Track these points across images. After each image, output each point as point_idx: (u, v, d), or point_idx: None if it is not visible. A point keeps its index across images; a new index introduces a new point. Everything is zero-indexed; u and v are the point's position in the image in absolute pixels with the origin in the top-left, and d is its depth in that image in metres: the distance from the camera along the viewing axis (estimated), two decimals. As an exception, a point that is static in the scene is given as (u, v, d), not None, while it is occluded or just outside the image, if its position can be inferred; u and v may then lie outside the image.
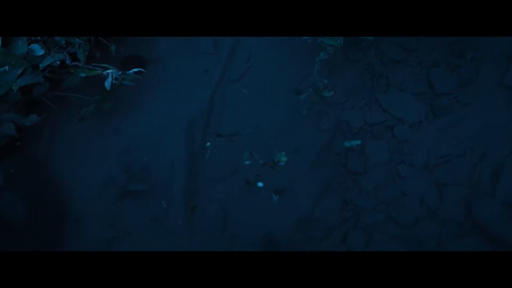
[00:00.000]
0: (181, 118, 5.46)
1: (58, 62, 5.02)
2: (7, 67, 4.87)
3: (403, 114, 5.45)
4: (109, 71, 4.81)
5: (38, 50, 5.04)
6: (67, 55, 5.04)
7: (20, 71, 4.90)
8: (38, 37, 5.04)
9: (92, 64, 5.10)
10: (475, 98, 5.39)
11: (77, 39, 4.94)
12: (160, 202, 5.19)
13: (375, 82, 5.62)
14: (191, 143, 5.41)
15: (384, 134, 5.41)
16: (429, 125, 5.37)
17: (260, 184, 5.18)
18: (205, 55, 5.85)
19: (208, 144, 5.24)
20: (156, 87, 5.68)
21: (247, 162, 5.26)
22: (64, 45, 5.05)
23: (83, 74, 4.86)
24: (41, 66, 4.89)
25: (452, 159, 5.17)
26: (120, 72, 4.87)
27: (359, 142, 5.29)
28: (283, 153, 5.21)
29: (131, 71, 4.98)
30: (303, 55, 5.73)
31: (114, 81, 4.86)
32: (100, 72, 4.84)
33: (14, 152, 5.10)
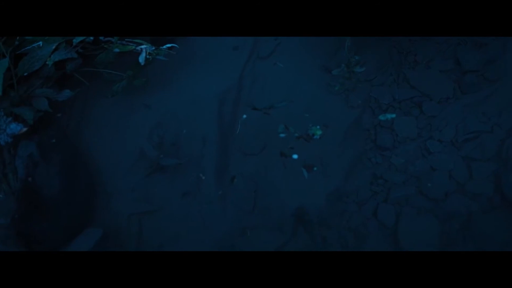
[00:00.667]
0: (211, 94, 5.49)
1: (91, 38, 5.04)
2: (41, 42, 4.89)
3: (431, 90, 5.50)
4: (142, 46, 4.83)
5: (71, 25, 5.05)
6: (100, 31, 5.06)
7: (53, 47, 4.91)
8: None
9: (125, 39, 5.12)
10: (502, 75, 5.44)
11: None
12: (194, 175, 5.24)
13: (403, 59, 5.67)
14: (222, 118, 5.45)
15: (413, 110, 5.47)
16: (457, 101, 5.42)
17: (295, 156, 5.23)
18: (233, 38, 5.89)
19: (244, 116, 5.28)
20: (186, 63, 5.71)
21: (282, 135, 5.30)
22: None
23: (117, 50, 4.88)
24: (75, 41, 4.91)
25: (480, 135, 5.23)
26: (153, 48, 4.90)
27: (393, 115, 5.35)
28: (318, 126, 5.26)
29: (164, 46, 5.01)
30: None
31: (147, 56, 4.89)
32: (134, 47, 4.86)
33: (48, 127, 5.14)
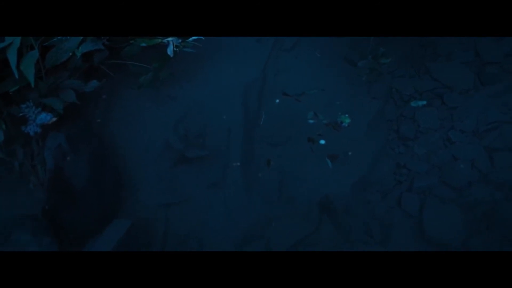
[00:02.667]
0: (236, 85, 5.55)
1: (118, 32, 5.08)
2: (68, 34, 4.92)
3: (452, 82, 5.58)
4: (169, 38, 4.88)
5: (98, 17, 5.09)
6: (126, 23, 5.10)
7: (80, 39, 4.95)
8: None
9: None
10: (522, 66, 5.53)
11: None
12: (221, 166, 5.29)
13: (424, 51, 5.74)
14: (247, 108, 5.51)
15: (434, 102, 5.54)
16: (477, 92, 5.51)
17: (322, 142, 5.29)
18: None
19: (277, 101, 5.33)
20: (211, 55, 5.76)
21: (311, 121, 5.36)
22: (124, 13, 5.11)
23: (143, 44, 4.93)
24: (102, 33, 4.95)
25: (501, 125, 5.31)
26: (180, 40, 4.95)
27: (424, 102, 5.42)
28: (347, 115, 5.33)
29: (191, 39, 5.06)
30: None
31: (175, 49, 4.93)
32: (160, 40, 4.91)
33: (76, 118, 5.18)
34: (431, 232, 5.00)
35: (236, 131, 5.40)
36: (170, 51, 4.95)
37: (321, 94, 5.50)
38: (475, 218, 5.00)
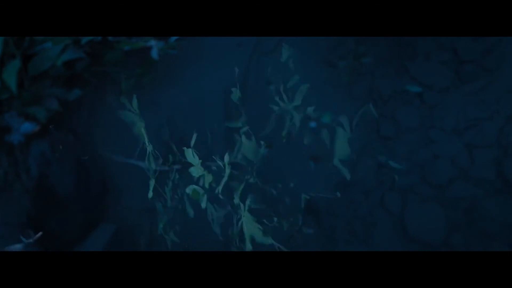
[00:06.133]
0: (217, 89, 5.60)
1: (99, 38, 5.13)
2: (50, 43, 4.97)
3: (431, 81, 5.65)
4: (152, 42, 4.94)
5: (79, 26, 5.14)
6: (107, 30, 5.15)
7: (62, 47, 5.00)
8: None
9: (133, 38, 5.21)
10: (499, 64, 5.60)
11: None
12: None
13: (402, 51, 5.81)
14: (229, 112, 5.56)
15: (414, 101, 5.61)
16: (456, 91, 5.58)
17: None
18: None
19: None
20: (192, 60, 5.81)
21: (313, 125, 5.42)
22: (105, 21, 5.16)
23: (127, 47, 4.98)
24: (83, 41, 5.00)
25: (480, 122, 5.38)
26: (163, 43, 5.00)
27: (420, 89, 5.49)
28: (328, 112, 5.38)
29: (172, 39, 5.11)
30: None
31: (158, 52, 4.99)
32: (143, 44, 4.96)
33: (59, 126, 5.22)
34: (413, 230, 5.07)
35: (218, 134, 5.45)
36: (155, 53, 5.00)
37: (304, 97, 5.56)
38: (456, 215, 5.07)
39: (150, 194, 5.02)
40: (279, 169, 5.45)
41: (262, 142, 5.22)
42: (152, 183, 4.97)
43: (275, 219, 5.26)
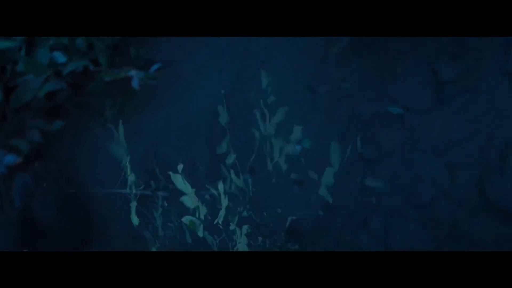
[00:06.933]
0: (200, 117, 5.64)
1: (80, 68, 5.19)
2: (31, 75, 5.02)
3: (411, 102, 5.70)
4: (133, 72, 4.99)
5: (60, 57, 5.21)
6: (89, 61, 5.22)
7: (44, 79, 5.05)
8: (60, 45, 5.21)
9: (114, 69, 5.28)
10: (479, 84, 5.66)
11: (99, 43, 5.12)
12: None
13: (383, 74, 5.87)
14: (212, 139, 5.59)
15: (395, 123, 5.66)
16: (437, 111, 5.62)
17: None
18: (218, 56, 6.05)
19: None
20: (174, 89, 5.87)
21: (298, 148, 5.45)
22: (86, 51, 5.23)
23: (108, 78, 5.04)
24: (64, 72, 5.06)
25: (462, 142, 5.42)
26: (143, 73, 5.06)
27: (402, 111, 5.53)
28: (307, 138, 5.42)
29: (153, 69, 5.17)
30: (313, 51, 5.97)
31: (139, 82, 5.05)
32: (124, 74, 5.01)
33: (42, 157, 5.25)
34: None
35: (202, 162, 5.48)
36: (135, 83, 5.05)
37: (283, 122, 5.60)
38: (440, 235, 5.09)
39: (134, 220, 5.02)
40: (265, 195, 5.47)
41: (247, 171, 5.26)
42: (133, 205, 4.97)
43: (260, 238, 5.28)
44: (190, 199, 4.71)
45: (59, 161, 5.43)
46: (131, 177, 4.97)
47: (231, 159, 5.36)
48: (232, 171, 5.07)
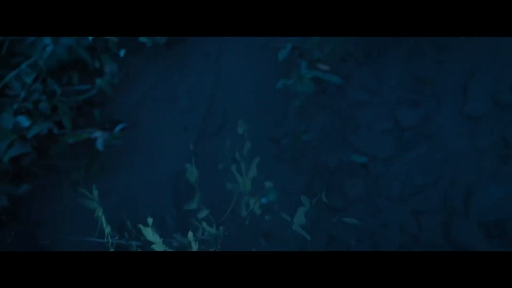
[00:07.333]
0: (166, 174, 5.68)
1: (45, 131, 5.23)
2: (-5, 140, 5.05)
3: (374, 151, 5.80)
4: (97, 133, 5.05)
5: (24, 121, 5.25)
6: (53, 124, 5.26)
7: (8, 143, 5.08)
8: (23, 109, 5.26)
9: (78, 130, 5.33)
10: (439, 130, 5.79)
11: (62, 106, 5.18)
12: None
13: (345, 124, 5.98)
14: (178, 197, 5.62)
15: (359, 171, 5.74)
16: (400, 158, 5.72)
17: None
18: (182, 113, 6.12)
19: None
20: (139, 148, 5.91)
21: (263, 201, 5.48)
22: (49, 114, 5.28)
23: (72, 140, 5.08)
24: (29, 136, 5.09)
25: (425, 188, 5.51)
26: (108, 133, 5.11)
27: (365, 159, 5.61)
28: (272, 191, 5.46)
29: (117, 129, 5.23)
30: (275, 104, 6.07)
31: (104, 143, 5.09)
32: (88, 136, 5.06)
33: (9, 222, 5.23)
34: (367, 300, 5.08)
35: (169, 220, 5.50)
36: (100, 144, 5.09)
37: (255, 175, 5.65)
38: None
39: None
40: (234, 248, 5.48)
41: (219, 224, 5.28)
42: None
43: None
44: (158, 246, 4.73)
45: (28, 222, 5.40)
46: (107, 229, 4.97)
47: (203, 214, 5.38)
48: (204, 223, 5.09)
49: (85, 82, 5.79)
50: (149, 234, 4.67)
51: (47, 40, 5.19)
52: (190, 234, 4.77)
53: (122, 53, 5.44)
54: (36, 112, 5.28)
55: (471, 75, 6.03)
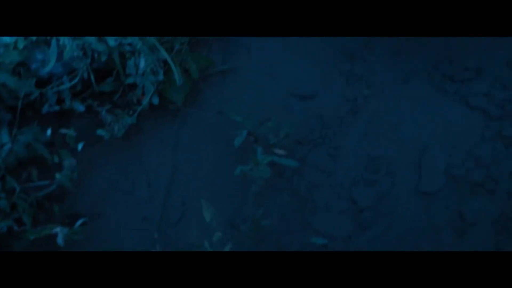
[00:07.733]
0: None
1: (5, 229, 5.29)
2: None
3: (334, 231, 5.90)
4: (57, 229, 5.12)
5: (-18, 220, 5.31)
6: (12, 221, 5.33)
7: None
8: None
9: (38, 227, 5.40)
10: (395, 208, 5.93)
11: (21, 203, 5.27)
12: None
13: (303, 205, 6.10)
14: None
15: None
16: (358, 238, 5.82)
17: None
18: (141, 203, 6.20)
19: None
20: (101, 242, 5.97)
21: None
22: (9, 211, 5.35)
23: (32, 237, 5.14)
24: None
25: (384, 267, 5.59)
26: (67, 229, 5.19)
27: (325, 241, 5.69)
28: None
29: (77, 224, 5.31)
30: (234, 191, 6.19)
31: (64, 238, 5.16)
32: (49, 232, 5.13)
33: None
34: None
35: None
36: (60, 240, 5.15)
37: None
38: None
39: None
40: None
41: None
42: None
43: None
44: None
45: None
46: None
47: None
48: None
49: (44, 178, 5.89)
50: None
51: (5, 138, 5.32)
52: None
53: (80, 146, 5.57)
54: (-6, 209, 5.35)
55: (424, 150, 6.23)
